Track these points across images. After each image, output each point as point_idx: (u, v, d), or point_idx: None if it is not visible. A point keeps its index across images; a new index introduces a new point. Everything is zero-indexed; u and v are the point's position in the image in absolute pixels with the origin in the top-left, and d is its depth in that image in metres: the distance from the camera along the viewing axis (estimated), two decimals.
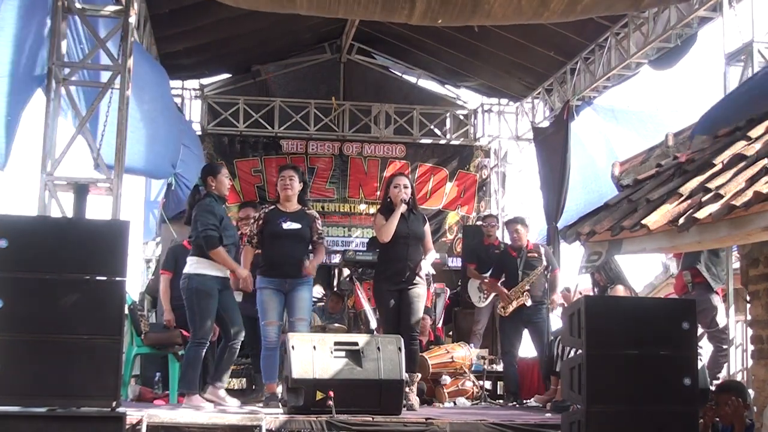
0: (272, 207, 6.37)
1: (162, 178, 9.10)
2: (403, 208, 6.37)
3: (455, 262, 11.69)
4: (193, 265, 6.10)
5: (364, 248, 11.69)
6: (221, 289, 6.16)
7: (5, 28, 5.78)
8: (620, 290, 7.88)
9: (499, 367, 9.12)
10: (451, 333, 10.17)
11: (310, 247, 6.35)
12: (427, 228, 6.60)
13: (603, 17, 9.64)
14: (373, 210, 12.27)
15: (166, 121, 8.25)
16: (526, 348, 8.24)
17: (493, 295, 9.30)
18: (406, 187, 6.45)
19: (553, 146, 11.02)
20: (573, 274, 8.38)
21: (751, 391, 5.45)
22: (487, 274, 9.24)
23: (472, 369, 8.14)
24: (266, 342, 6.10)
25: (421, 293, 6.40)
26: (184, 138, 9.28)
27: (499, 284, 8.02)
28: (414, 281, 6.37)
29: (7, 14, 5.81)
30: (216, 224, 6.02)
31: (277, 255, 6.16)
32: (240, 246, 6.45)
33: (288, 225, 6.20)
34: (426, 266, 6.48)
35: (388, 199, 6.48)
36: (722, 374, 7.24)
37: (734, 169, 4.41)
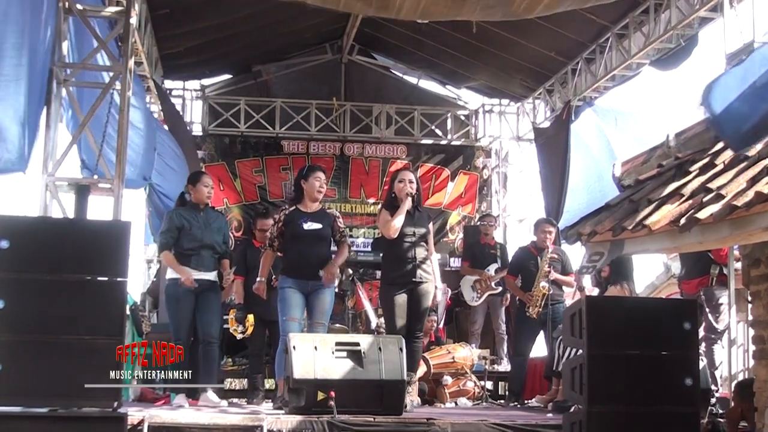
0: (292, 208, 6.26)
1: (133, 188, 9.12)
2: (409, 203, 6.28)
3: (457, 263, 11.70)
4: (168, 270, 6.40)
5: (366, 249, 11.71)
6: (198, 291, 6.31)
7: (17, 30, 5.76)
8: (615, 291, 7.86)
9: (500, 368, 9.13)
10: (452, 334, 10.17)
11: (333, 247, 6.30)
12: (430, 228, 6.55)
13: (603, 17, 9.66)
14: (375, 210, 12.28)
15: (140, 134, 8.26)
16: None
17: (486, 294, 9.31)
18: (411, 182, 6.32)
19: (553, 147, 11.02)
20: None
21: None
22: (490, 269, 9.29)
23: (474, 369, 8.13)
24: (284, 336, 5.94)
25: (429, 290, 6.32)
26: (165, 154, 9.27)
27: (515, 284, 8.00)
28: (424, 278, 6.28)
29: (15, 15, 5.79)
30: (167, 231, 6.32)
31: (297, 256, 6.10)
32: (221, 251, 6.49)
33: (309, 225, 6.13)
34: (438, 276, 6.44)
35: (393, 195, 6.37)
36: (724, 373, 7.27)
37: (735, 170, 4.40)
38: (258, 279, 6.30)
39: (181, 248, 6.32)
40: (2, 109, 5.78)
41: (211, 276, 6.42)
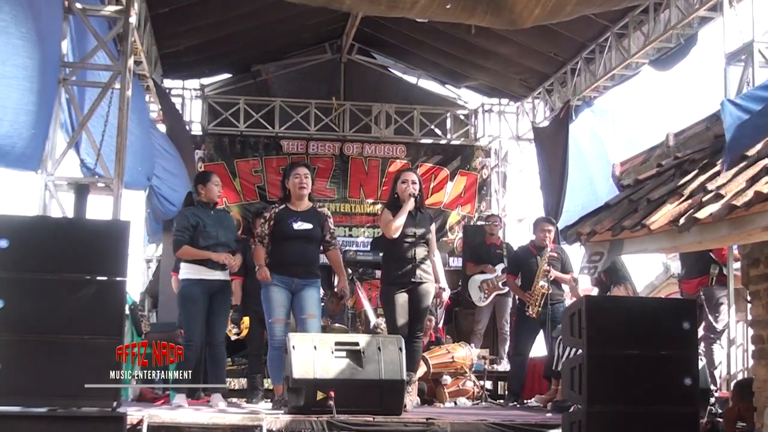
0: (282, 206, 6.22)
1: (137, 189, 9.15)
2: (411, 203, 6.26)
3: (456, 262, 11.70)
4: (182, 271, 6.36)
5: (365, 248, 11.70)
6: (212, 292, 6.29)
7: (21, 25, 5.75)
8: (619, 291, 7.89)
9: (500, 367, 9.13)
10: (450, 334, 10.17)
11: (322, 248, 6.29)
12: (433, 228, 6.54)
13: (603, 17, 9.66)
14: (374, 210, 12.29)
15: (142, 135, 8.28)
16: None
17: (494, 294, 9.31)
18: (414, 182, 6.32)
19: (552, 146, 11.03)
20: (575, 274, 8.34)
21: None
22: (497, 269, 9.29)
23: (473, 369, 8.13)
24: (273, 340, 6.02)
25: (430, 290, 6.32)
26: (159, 156, 9.30)
27: (515, 283, 8.00)
28: (423, 279, 6.29)
29: (23, 14, 5.78)
30: (183, 229, 6.27)
31: (286, 256, 6.07)
32: (234, 249, 6.47)
33: (299, 225, 6.10)
34: (442, 276, 6.47)
35: (395, 195, 6.35)
36: (723, 373, 7.28)
37: (735, 169, 4.40)
38: (257, 268, 6.12)
39: (197, 247, 6.27)
40: (17, 106, 5.76)
41: (224, 276, 6.39)
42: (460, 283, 10.41)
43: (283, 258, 6.09)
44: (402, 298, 6.24)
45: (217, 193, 6.51)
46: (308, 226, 6.13)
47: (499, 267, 9.34)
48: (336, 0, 6.48)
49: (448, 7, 6.20)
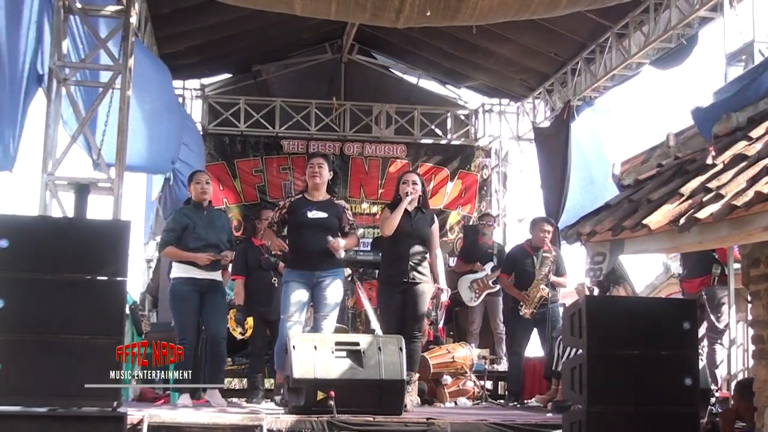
0: (299, 196, 6.26)
1: (160, 173, 9.15)
2: (407, 201, 6.27)
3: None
4: (173, 270, 6.49)
5: (366, 248, 11.70)
6: (203, 291, 6.34)
7: None
8: (621, 293, 7.88)
9: (500, 367, 9.12)
10: (452, 333, 10.16)
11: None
12: (435, 228, 6.53)
13: (603, 17, 9.65)
14: (374, 210, 12.29)
15: (167, 119, 8.25)
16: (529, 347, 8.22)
17: (484, 293, 9.30)
18: (414, 183, 6.37)
19: (553, 146, 11.03)
20: (577, 275, 8.36)
21: None
22: (486, 268, 9.27)
23: (473, 369, 8.13)
24: (281, 336, 6.01)
25: (425, 290, 6.33)
26: (184, 136, 9.27)
27: (509, 282, 8.00)
28: (417, 279, 6.30)
29: None
30: (170, 230, 6.43)
31: (301, 245, 6.07)
32: (224, 249, 6.47)
33: (313, 214, 6.09)
34: (442, 277, 6.47)
35: (398, 197, 6.40)
36: (723, 373, 7.29)
37: (735, 169, 4.40)
38: (270, 243, 6.23)
39: (187, 248, 6.34)
40: None
41: (215, 276, 6.44)
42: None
43: (299, 248, 6.07)
44: (396, 300, 6.26)
45: (200, 191, 6.50)
46: (323, 215, 6.11)
47: (488, 266, 9.33)
48: (321, 9, 6.49)
49: (428, 14, 6.22)
